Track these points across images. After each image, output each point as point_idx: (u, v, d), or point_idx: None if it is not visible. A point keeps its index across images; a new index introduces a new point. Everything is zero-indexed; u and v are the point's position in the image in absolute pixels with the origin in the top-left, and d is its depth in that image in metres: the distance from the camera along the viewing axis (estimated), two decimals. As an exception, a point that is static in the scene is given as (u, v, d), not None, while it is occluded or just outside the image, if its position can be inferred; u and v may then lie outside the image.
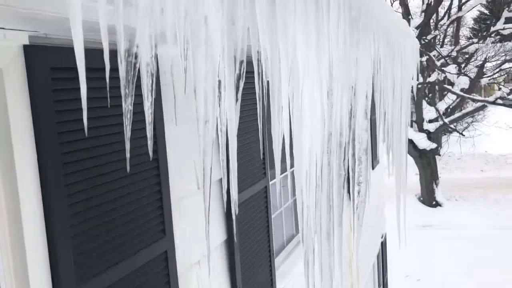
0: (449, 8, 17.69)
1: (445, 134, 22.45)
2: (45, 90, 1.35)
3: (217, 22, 1.19)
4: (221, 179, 2.42)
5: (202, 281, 2.28)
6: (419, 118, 16.52)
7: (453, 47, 17.20)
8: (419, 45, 6.08)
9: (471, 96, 15.33)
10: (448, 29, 19.51)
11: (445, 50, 16.50)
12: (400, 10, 16.07)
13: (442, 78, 15.34)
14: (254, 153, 2.86)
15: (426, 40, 15.07)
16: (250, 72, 1.44)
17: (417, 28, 14.44)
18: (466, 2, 16.55)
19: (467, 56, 17.47)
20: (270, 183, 3.17)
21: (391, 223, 8.09)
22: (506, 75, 21.85)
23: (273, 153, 1.54)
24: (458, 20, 17.72)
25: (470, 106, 17.51)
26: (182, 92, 2.09)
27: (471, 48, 16.40)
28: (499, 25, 14.94)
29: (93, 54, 1.22)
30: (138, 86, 1.02)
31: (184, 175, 2.15)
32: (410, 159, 15.48)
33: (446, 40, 21.46)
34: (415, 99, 15.21)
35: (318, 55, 1.82)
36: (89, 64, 1.06)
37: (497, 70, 17.84)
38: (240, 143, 2.59)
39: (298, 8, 1.60)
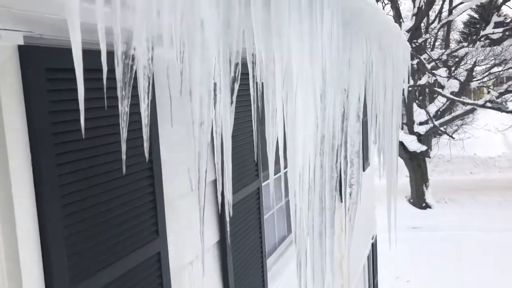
0: (440, 11, 17.85)
1: (435, 137, 22.65)
2: (39, 90, 1.35)
3: (213, 25, 1.19)
4: (214, 180, 2.43)
5: (194, 282, 2.28)
6: (410, 121, 16.65)
7: (443, 50, 17.36)
8: (410, 48, 6.13)
9: (461, 99, 15.48)
10: (439, 32, 19.70)
11: (435, 54, 16.65)
12: (391, 13, 16.20)
13: (432, 81, 15.47)
14: (247, 155, 2.87)
15: (417, 43, 15.19)
16: (244, 75, 1.45)
17: (408, 31, 14.55)
18: (456, 6, 16.71)
19: (457, 59, 17.65)
20: (263, 184, 3.18)
21: (381, 225, 8.14)
22: (495, 79, 22.10)
23: (265, 155, 1.55)
24: (449, 24, 17.90)
25: (460, 109, 17.70)
26: (175, 95, 2.09)
27: (461, 52, 16.58)
28: (489, 29, 15.11)
29: (88, 55, 1.22)
30: (134, 88, 1.03)
31: (177, 176, 2.15)
32: (401, 161, 15.58)
33: (436, 44, 21.67)
34: (406, 101, 15.33)
35: (311, 58, 1.83)
36: (84, 65, 1.06)
37: (487, 73, 18.06)
38: (233, 144, 2.59)
39: (292, 11, 1.61)
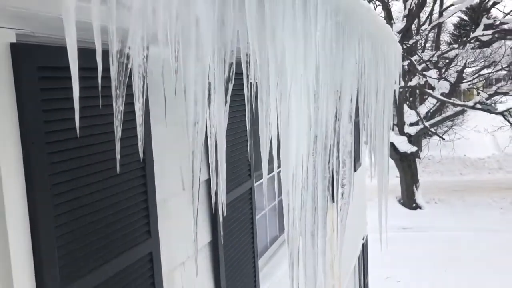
0: (431, 13, 17.99)
1: (425, 138, 22.80)
2: (32, 89, 1.34)
3: (208, 24, 1.19)
4: (206, 180, 2.42)
5: (186, 282, 2.27)
6: (400, 122, 16.76)
7: (434, 52, 17.49)
8: (401, 50, 6.17)
9: (451, 101, 15.61)
10: (429, 34, 19.83)
11: (426, 55, 16.77)
12: (382, 14, 16.29)
13: (423, 83, 15.59)
14: (240, 155, 2.87)
15: (408, 45, 15.29)
16: (238, 74, 1.45)
17: (399, 32, 14.65)
18: (447, 8, 16.85)
19: (447, 61, 17.78)
20: (255, 184, 3.18)
21: (371, 225, 8.18)
22: (484, 81, 22.32)
23: (258, 155, 1.55)
24: (439, 26, 18.04)
25: (450, 111, 17.84)
26: (168, 94, 2.09)
27: (452, 54, 16.71)
28: (478, 31, 15.25)
29: (81, 53, 1.21)
30: (129, 87, 1.02)
31: (169, 176, 2.14)
32: (391, 162, 15.67)
33: (427, 45, 21.83)
34: (397, 102, 15.42)
35: (305, 58, 1.83)
36: (78, 63, 1.05)
37: (476, 75, 18.22)
38: (226, 144, 2.59)
39: (286, 11, 1.61)
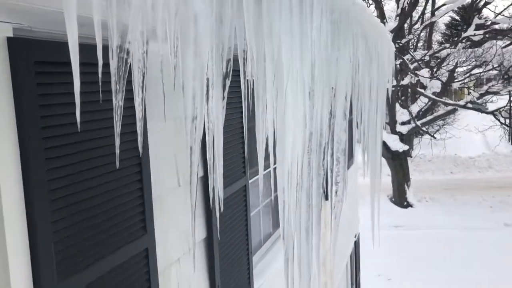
0: (423, 13, 18.09)
1: (417, 137, 22.95)
2: (29, 83, 1.33)
3: (206, 20, 1.20)
4: (202, 177, 2.43)
5: (181, 278, 2.28)
6: (392, 120, 16.84)
7: (426, 51, 17.59)
8: (394, 49, 6.21)
9: (442, 100, 15.72)
10: (421, 33, 19.94)
11: (418, 54, 16.87)
12: (375, 13, 16.35)
13: (415, 82, 15.67)
14: (235, 152, 2.87)
15: (400, 44, 15.37)
16: (234, 71, 1.46)
17: (391, 31, 14.70)
18: (439, 7, 16.95)
19: (439, 60, 17.90)
20: (250, 181, 3.19)
21: (363, 223, 8.23)
22: (476, 80, 22.48)
23: (252, 152, 1.56)
24: (431, 25, 18.15)
25: (441, 110, 17.96)
26: (165, 89, 2.09)
27: (443, 53, 16.83)
28: (470, 31, 15.36)
29: (79, 48, 1.21)
30: (128, 82, 1.02)
31: (164, 172, 2.14)
32: (383, 161, 15.75)
33: (419, 45, 21.94)
34: (390, 101, 15.50)
35: (301, 56, 1.84)
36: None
37: (468, 75, 18.35)
38: (223, 141, 2.59)
39: (283, 9, 1.62)
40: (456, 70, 18.00)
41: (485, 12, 21.06)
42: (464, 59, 18.13)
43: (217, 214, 1.43)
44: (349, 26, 2.66)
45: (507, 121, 18.32)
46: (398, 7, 15.82)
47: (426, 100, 16.97)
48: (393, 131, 16.87)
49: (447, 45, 16.86)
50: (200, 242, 2.52)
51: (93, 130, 1.61)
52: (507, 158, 22.54)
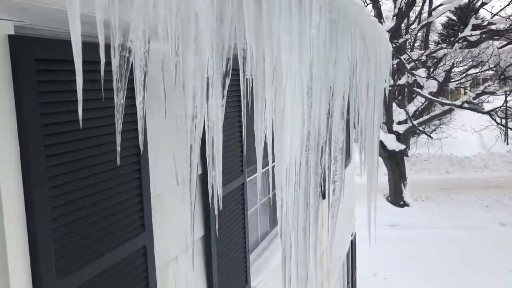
0: (420, 13, 18.12)
1: (413, 136, 23.01)
2: (29, 81, 1.34)
3: (207, 19, 1.20)
4: (200, 175, 2.44)
5: (179, 276, 2.29)
6: (389, 120, 16.88)
7: (422, 51, 17.63)
8: (392, 48, 6.23)
9: (439, 100, 15.77)
10: (418, 33, 19.99)
11: (415, 54, 16.90)
12: (372, 13, 16.37)
13: (411, 81, 15.71)
14: (232, 151, 2.88)
15: (397, 44, 15.40)
16: (234, 70, 1.47)
17: (388, 31, 14.73)
18: (436, 8, 16.99)
19: (435, 60, 17.94)
20: (247, 179, 3.20)
21: (359, 222, 8.25)
22: (472, 80, 22.57)
23: (250, 151, 1.57)
24: (428, 25, 18.18)
25: (438, 109, 18.00)
26: (163, 88, 2.09)
27: (440, 53, 16.86)
28: (467, 31, 15.40)
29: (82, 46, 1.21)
30: (130, 81, 1.03)
31: (163, 170, 2.15)
32: (379, 160, 15.78)
33: (416, 44, 21.99)
34: (387, 101, 15.54)
35: (300, 55, 1.85)
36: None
37: (464, 75, 18.41)
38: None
39: (282, 8, 1.63)
40: (453, 70, 18.05)
41: (482, 12, 21.15)
42: (460, 59, 18.19)
43: (216, 212, 1.44)
44: (348, 25, 2.67)
45: (503, 121, 18.40)
46: (395, 7, 15.85)
47: (423, 99, 17.03)
48: (390, 130, 16.91)
49: (444, 45, 16.90)
50: (198, 240, 2.52)
51: (92, 128, 1.61)
52: (503, 158, 22.64)
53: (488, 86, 17.60)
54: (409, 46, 19.71)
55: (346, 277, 8.29)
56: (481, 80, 26.68)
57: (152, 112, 2.01)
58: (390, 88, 15.28)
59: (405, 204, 16.91)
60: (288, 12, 1.68)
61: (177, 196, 2.26)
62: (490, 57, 16.33)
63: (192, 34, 1.17)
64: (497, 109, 16.63)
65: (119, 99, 1.00)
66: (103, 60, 0.90)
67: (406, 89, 18.09)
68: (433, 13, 17.01)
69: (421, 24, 17.37)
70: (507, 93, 18.79)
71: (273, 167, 1.85)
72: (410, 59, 15.77)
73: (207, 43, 1.21)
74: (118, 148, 1.00)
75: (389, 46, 5.09)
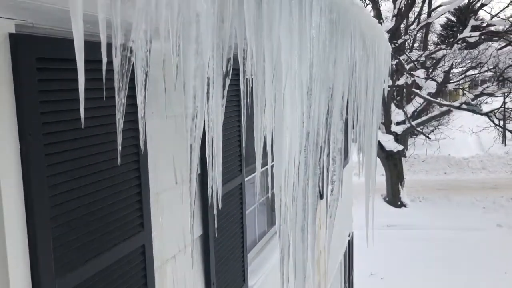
0: (419, 14, 18.14)
1: (411, 137, 23.03)
2: (30, 79, 1.34)
3: (208, 19, 1.21)
4: (199, 175, 2.44)
5: (177, 275, 2.29)
6: (387, 120, 16.90)
7: (421, 52, 17.65)
8: (391, 49, 6.24)
9: (437, 101, 15.79)
10: (418, 34, 20.00)
11: (414, 55, 16.91)
12: (372, 13, 16.38)
13: (410, 82, 15.73)
14: (231, 150, 2.89)
15: (396, 44, 15.41)
16: (234, 70, 1.47)
17: (388, 32, 14.74)
18: (435, 8, 17.01)
19: (434, 61, 17.96)
20: (246, 179, 3.20)
21: (357, 222, 8.26)
22: (470, 82, 22.60)
23: (248, 151, 1.57)
24: (427, 26, 18.20)
25: (436, 110, 18.03)
26: (162, 88, 2.09)
27: (439, 54, 16.88)
28: (466, 32, 15.43)
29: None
30: (131, 80, 1.03)
31: (162, 169, 2.15)
32: (377, 160, 15.79)
33: (415, 45, 22.01)
34: (385, 101, 15.55)
35: (300, 55, 1.86)
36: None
37: (463, 76, 18.44)
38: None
39: (283, 9, 1.63)
40: (452, 71, 18.07)
41: (481, 13, 21.19)
42: (459, 60, 18.20)
43: (215, 212, 1.45)
44: (348, 25, 2.68)
45: (501, 122, 18.42)
46: (394, 7, 15.86)
47: (421, 100, 17.04)
48: (388, 131, 16.93)
49: (443, 46, 16.92)
50: (196, 239, 2.53)
51: (92, 127, 1.61)
52: (501, 160, 22.69)
53: (487, 87, 17.63)
54: (408, 47, 19.73)
55: (343, 277, 8.30)
56: (479, 82, 26.72)
57: (151, 111, 2.01)
58: (389, 88, 15.30)
59: (403, 205, 16.93)
60: (288, 13, 1.69)
61: (176, 195, 2.26)
62: (489, 59, 16.35)
63: (193, 34, 1.18)
64: (495, 111, 16.67)
65: (120, 99, 1.00)
66: (105, 59, 0.90)
67: (404, 90, 18.12)
68: (433, 14, 17.03)
69: (420, 25, 17.39)
70: (506, 94, 18.82)
71: (272, 167, 1.85)
72: (409, 60, 15.78)
73: (208, 43, 1.22)
74: (119, 148, 1.00)
75: (388, 47, 5.10)
